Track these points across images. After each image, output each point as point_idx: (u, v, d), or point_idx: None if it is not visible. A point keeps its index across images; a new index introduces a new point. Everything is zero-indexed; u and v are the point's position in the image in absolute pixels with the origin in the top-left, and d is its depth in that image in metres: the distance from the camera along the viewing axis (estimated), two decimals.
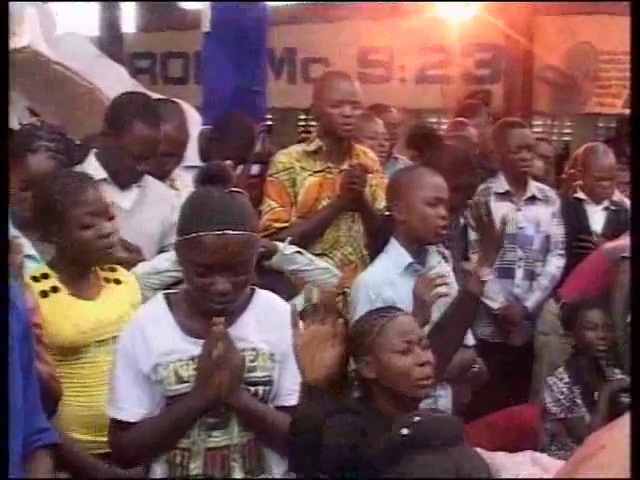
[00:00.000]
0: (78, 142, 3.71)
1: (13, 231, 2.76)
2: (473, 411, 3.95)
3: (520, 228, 4.78)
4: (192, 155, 4.41)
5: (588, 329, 4.07)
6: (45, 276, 2.84)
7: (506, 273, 4.74)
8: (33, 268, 2.88)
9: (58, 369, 2.63)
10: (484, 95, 9.53)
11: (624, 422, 1.57)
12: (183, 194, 3.61)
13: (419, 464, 1.60)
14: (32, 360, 2.22)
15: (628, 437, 1.52)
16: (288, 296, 2.76)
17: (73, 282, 2.86)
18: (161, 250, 3.51)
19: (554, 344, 4.55)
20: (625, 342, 3.97)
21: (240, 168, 4.14)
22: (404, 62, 10.89)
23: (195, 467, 2.32)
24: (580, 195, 5.03)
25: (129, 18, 12.81)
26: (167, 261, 3.18)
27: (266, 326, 2.38)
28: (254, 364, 2.34)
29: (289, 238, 3.56)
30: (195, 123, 5.12)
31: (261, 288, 2.47)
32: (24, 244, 2.89)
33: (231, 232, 2.25)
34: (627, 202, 4.79)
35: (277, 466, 2.39)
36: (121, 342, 2.41)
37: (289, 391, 2.34)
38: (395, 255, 3.21)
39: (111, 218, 2.90)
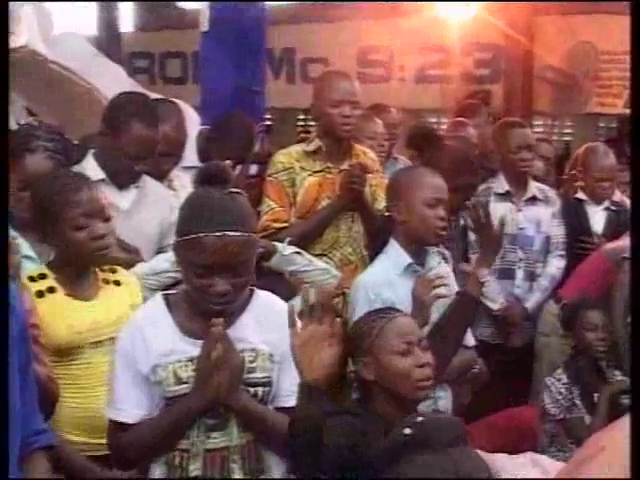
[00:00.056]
0: (76, 142, 3.70)
1: (11, 232, 2.75)
2: (473, 412, 3.95)
3: (520, 229, 4.77)
4: (190, 155, 4.41)
5: (588, 330, 4.06)
6: (43, 276, 2.84)
7: (506, 274, 4.73)
8: (31, 269, 2.88)
9: (54, 370, 2.63)
10: (484, 95, 9.53)
11: (624, 423, 1.56)
12: (181, 194, 3.61)
13: (419, 464, 1.60)
14: (29, 361, 2.22)
15: (628, 438, 1.52)
16: (287, 297, 2.74)
17: (70, 283, 2.85)
18: (159, 251, 3.50)
19: (554, 345, 4.54)
20: (625, 343, 3.96)
21: (239, 168, 4.12)
22: (404, 62, 10.89)
23: (194, 468, 2.32)
24: (580, 195, 5.02)
25: (127, 17, 12.81)
26: (166, 262, 3.17)
27: (265, 327, 2.37)
28: (253, 365, 2.34)
29: (288, 239, 3.55)
30: (194, 123, 5.12)
31: (260, 289, 2.46)
32: (22, 245, 2.88)
33: (231, 233, 2.24)
34: (628, 202, 4.77)
35: (277, 467, 2.39)
36: (120, 343, 2.40)
37: (288, 392, 2.33)
38: (394, 256, 3.21)
39: (107, 219, 2.88)
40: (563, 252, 4.82)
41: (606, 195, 4.97)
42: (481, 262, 3.15)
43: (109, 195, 3.27)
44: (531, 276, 4.79)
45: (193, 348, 2.30)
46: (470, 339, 3.30)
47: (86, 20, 11.34)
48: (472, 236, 4.43)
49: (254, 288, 2.43)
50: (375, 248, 3.36)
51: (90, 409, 2.75)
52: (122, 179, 3.50)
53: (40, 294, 2.78)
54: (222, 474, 2.32)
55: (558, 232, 4.84)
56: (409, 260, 3.18)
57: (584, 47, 9.62)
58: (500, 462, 3.12)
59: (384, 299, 3.04)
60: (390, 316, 2.47)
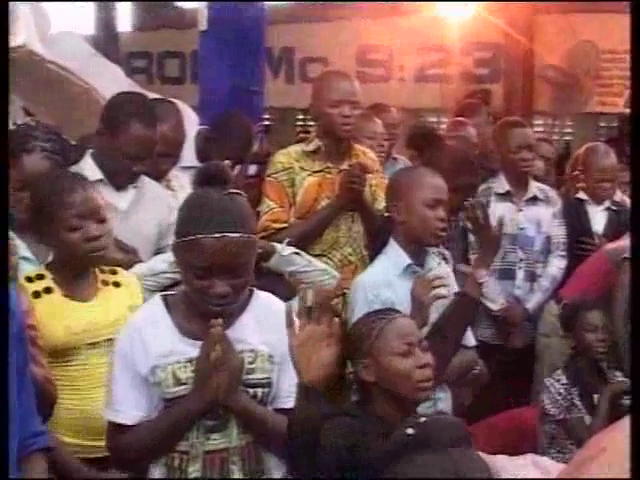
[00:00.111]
0: (74, 142, 3.68)
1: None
2: (474, 413, 3.93)
3: (521, 229, 4.76)
4: (189, 155, 4.40)
5: (588, 331, 4.05)
6: (40, 277, 2.84)
7: (507, 274, 4.72)
8: (29, 270, 2.88)
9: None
10: (484, 94, 9.53)
11: (625, 424, 1.56)
12: (179, 195, 3.61)
13: (419, 464, 1.59)
14: (26, 363, 2.22)
15: (629, 439, 1.51)
16: (287, 298, 2.73)
17: (68, 283, 2.85)
18: (158, 251, 3.50)
19: (555, 346, 4.53)
20: (626, 344, 3.94)
21: (237, 168, 4.11)
22: (403, 61, 10.89)
23: (194, 470, 2.31)
24: (581, 196, 5.00)
25: (125, 17, 12.81)
26: (164, 262, 3.16)
27: (265, 327, 2.37)
28: (253, 366, 2.33)
29: (287, 239, 3.54)
30: (192, 123, 5.10)
31: (259, 289, 2.46)
32: (19, 246, 2.89)
33: (230, 235, 2.24)
34: (629, 202, 4.76)
35: (277, 468, 2.38)
36: (119, 344, 2.39)
37: (288, 393, 2.32)
38: (394, 256, 3.21)
39: (101, 220, 2.87)
40: (564, 252, 4.81)
41: (607, 195, 4.95)
42: (479, 263, 3.15)
43: (107, 195, 3.27)
44: (532, 277, 4.78)
45: (192, 349, 2.29)
46: (471, 339, 3.30)
47: (84, 20, 11.33)
48: (472, 236, 4.41)
49: (254, 289, 2.42)
50: (375, 248, 3.35)
51: (86, 411, 2.75)
52: (120, 179, 3.49)
53: (37, 294, 2.78)
54: (222, 476, 2.32)
55: (559, 232, 4.82)
56: (408, 261, 3.17)
57: (585, 46, 9.62)
58: (500, 463, 3.12)
59: (383, 300, 3.04)
60: (390, 317, 2.46)
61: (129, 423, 2.34)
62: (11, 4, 4.92)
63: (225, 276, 2.25)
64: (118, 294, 2.91)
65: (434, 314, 3.06)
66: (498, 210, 4.40)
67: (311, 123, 5.41)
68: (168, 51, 12.60)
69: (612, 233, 4.75)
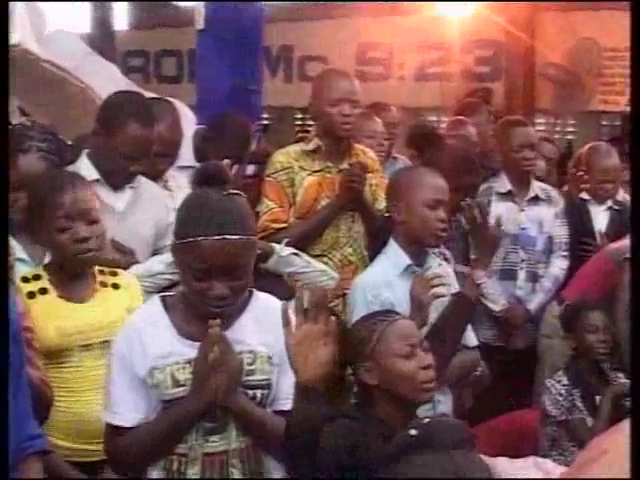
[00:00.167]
0: (70, 142, 3.66)
1: None
2: (475, 415, 3.92)
3: (523, 229, 4.75)
4: (186, 155, 4.38)
5: (589, 332, 4.04)
6: (37, 277, 2.83)
7: (508, 275, 4.71)
8: (25, 271, 2.87)
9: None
10: (484, 93, 9.47)
11: (627, 426, 1.55)
12: (177, 195, 3.59)
13: (419, 464, 1.59)
14: (22, 365, 2.21)
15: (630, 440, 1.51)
16: (286, 298, 2.71)
17: (64, 284, 2.84)
18: (155, 252, 3.49)
19: (557, 347, 4.51)
20: (627, 343, 3.92)
21: (235, 168, 4.08)
22: (403, 60, 10.88)
23: (193, 473, 2.30)
24: (584, 195, 4.98)
25: (121, 15, 12.79)
26: (161, 263, 3.17)
27: (265, 328, 2.35)
28: (252, 367, 2.32)
29: (285, 240, 3.53)
30: (189, 122, 5.08)
31: (258, 290, 2.44)
32: (15, 247, 2.88)
33: (230, 236, 2.22)
34: None
35: (276, 470, 2.37)
36: (117, 345, 2.38)
37: (287, 395, 2.30)
38: (394, 256, 3.21)
39: (92, 221, 2.85)
40: (566, 252, 4.79)
41: (609, 195, 4.94)
42: (477, 263, 3.18)
43: (103, 196, 3.26)
44: (533, 277, 4.76)
45: (191, 350, 2.28)
46: (472, 339, 3.30)
47: (79, 18, 11.29)
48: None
49: (253, 289, 2.41)
50: (375, 248, 3.36)
51: (79, 414, 2.75)
52: (117, 179, 3.47)
53: (31, 295, 2.77)
54: (221, 478, 2.30)
55: (561, 232, 4.81)
56: (408, 261, 3.17)
57: (586, 44, 9.60)
58: (501, 466, 3.11)
59: (383, 300, 3.04)
60: (390, 319, 2.45)
61: (127, 425, 2.33)
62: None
63: (224, 278, 2.24)
64: (116, 296, 2.89)
65: (433, 314, 3.06)
66: (499, 210, 4.38)
67: (310, 122, 5.40)
68: (165, 50, 12.59)
69: (614, 233, 4.73)
